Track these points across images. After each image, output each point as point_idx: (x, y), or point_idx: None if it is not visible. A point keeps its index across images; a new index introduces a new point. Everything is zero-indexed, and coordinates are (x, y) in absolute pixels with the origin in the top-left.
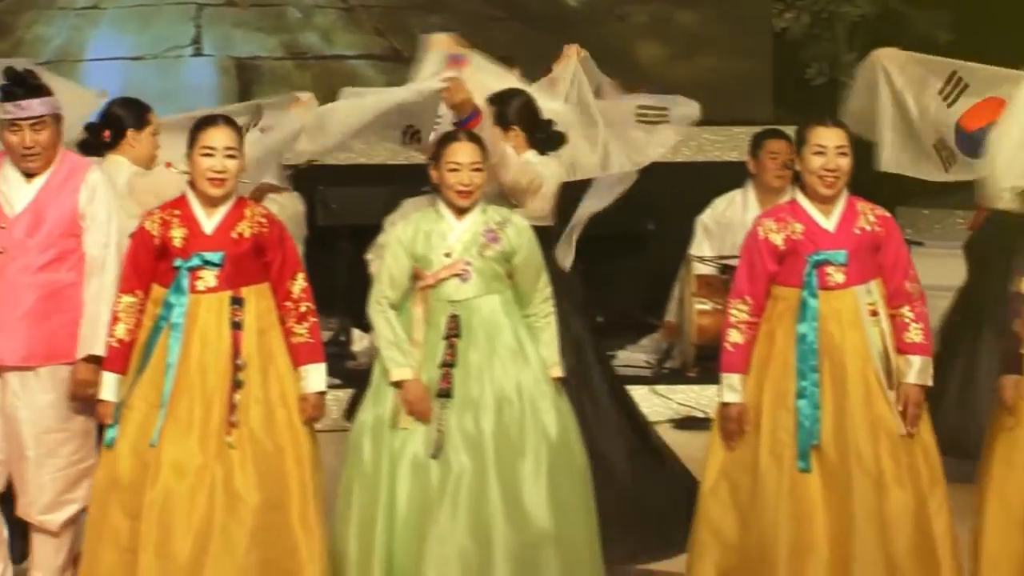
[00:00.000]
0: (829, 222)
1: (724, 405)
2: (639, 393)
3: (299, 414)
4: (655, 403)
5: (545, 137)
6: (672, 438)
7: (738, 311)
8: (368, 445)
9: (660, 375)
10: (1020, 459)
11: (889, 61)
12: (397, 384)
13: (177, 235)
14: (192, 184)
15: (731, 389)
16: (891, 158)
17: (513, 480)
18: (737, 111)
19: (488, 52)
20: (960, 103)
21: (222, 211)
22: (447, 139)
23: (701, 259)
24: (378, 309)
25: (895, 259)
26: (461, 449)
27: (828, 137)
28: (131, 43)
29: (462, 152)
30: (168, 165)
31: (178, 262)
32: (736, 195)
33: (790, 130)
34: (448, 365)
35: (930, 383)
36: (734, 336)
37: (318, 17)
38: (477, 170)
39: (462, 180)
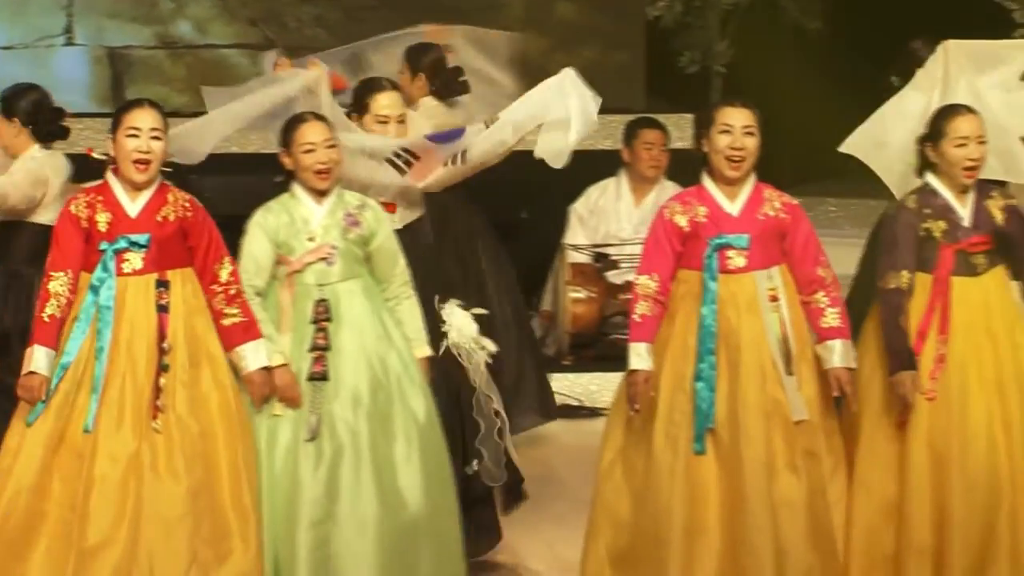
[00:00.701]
0: (733, 206)
1: (632, 372)
2: None
3: (251, 396)
4: None
5: (445, 84)
6: (548, 426)
7: (645, 285)
8: None
9: None
10: (883, 449)
11: (960, 51)
12: (267, 370)
13: (102, 219)
14: (115, 169)
15: (639, 357)
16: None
17: (387, 463)
18: (611, 100)
19: (363, 39)
20: None
21: (146, 195)
22: (294, 122)
23: (575, 247)
24: (248, 299)
25: (804, 246)
26: (337, 432)
27: (735, 116)
28: (2, 33)
29: (313, 131)
30: (89, 152)
31: (104, 245)
32: (609, 183)
33: (663, 118)
34: (321, 349)
35: (854, 365)
36: (641, 308)
37: (191, 7)
38: (332, 147)
39: (319, 159)
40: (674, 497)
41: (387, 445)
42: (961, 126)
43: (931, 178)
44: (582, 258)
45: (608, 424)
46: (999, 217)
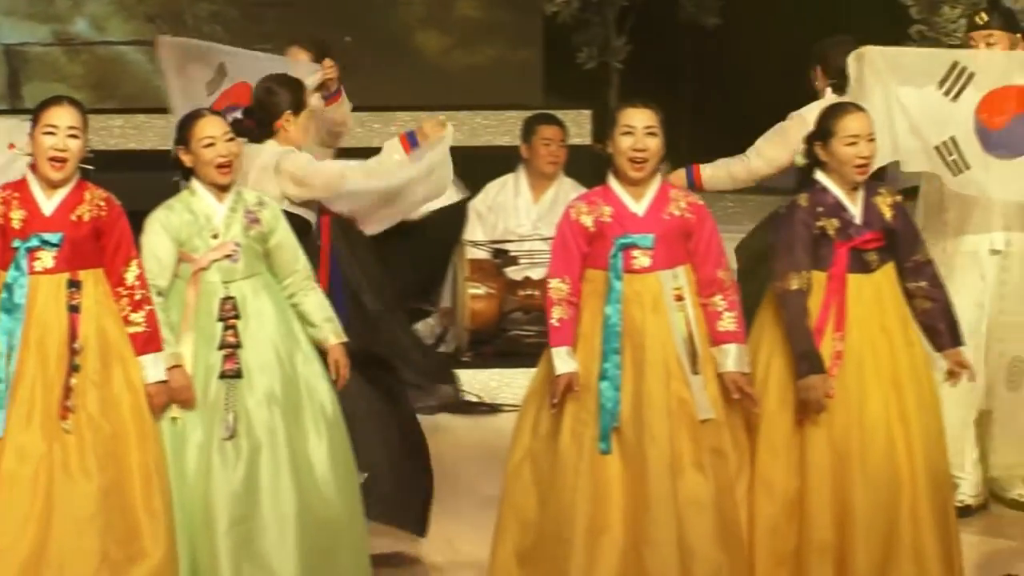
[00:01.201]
0: (639, 206)
1: (558, 376)
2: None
3: (149, 406)
4: None
5: None
6: (447, 422)
7: (558, 288)
8: None
9: None
10: (783, 447)
11: (876, 58)
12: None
13: (16, 217)
14: (33, 166)
15: (564, 360)
16: (911, 158)
17: (304, 459)
18: (509, 96)
19: (261, 37)
20: (967, 96)
21: (62, 193)
22: (192, 117)
23: (474, 244)
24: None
25: (707, 247)
26: (253, 429)
27: (637, 117)
28: None
29: (212, 126)
30: (11, 147)
31: (16, 242)
32: (508, 179)
33: (562, 114)
34: (232, 346)
35: (747, 370)
36: (558, 312)
37: (88, 4)
38: (231, 140)
39: (220, 152)
40: (578, 495)
41: (302, 441)
42: (851, 124)
43: (821, 176)
44: (481, 254)
45: (517, 424)
46: (888, 214)
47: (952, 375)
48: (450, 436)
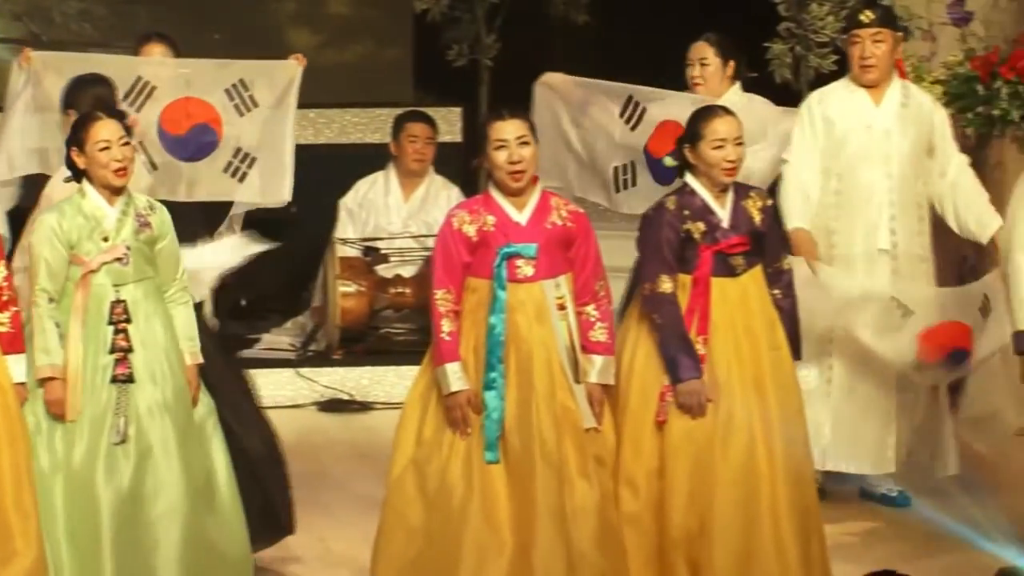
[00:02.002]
0: (521, 215)
1: (454, 394)
2: (284, 376)
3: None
4: (300, 386)
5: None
6: (318, 420)
7: (444, 300)
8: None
9: (305, 358)
10: (647, 448)
11: (557, 85)
12: (45, 379)
13: None
14: None
15: (457, 377)
16: (579, 182)
17: (194, 462)
18: (380, 94)
19: (131, 35)
20: (643, 127)
21: None
22: (86, 120)
23: (345, 242)
24: (37, 305)
25: (585, 256)
26: (144, 432)
27: (507, 130)
28: None
29: (107, 129)
30: None
31: None
32: (379, 177)
33: (433, 111)
34: (124, 350)
35: (611, 382)
36: (448, 325)
37: None
38: (126, 144)
39: (115, 156)
40: (466, 504)
41: (189, 444)
42: (719, 128)
43: (690, 179)
44: (352, 252)
45: (398, 433)
46: (757, 217)
47: None
48: (322, 434)
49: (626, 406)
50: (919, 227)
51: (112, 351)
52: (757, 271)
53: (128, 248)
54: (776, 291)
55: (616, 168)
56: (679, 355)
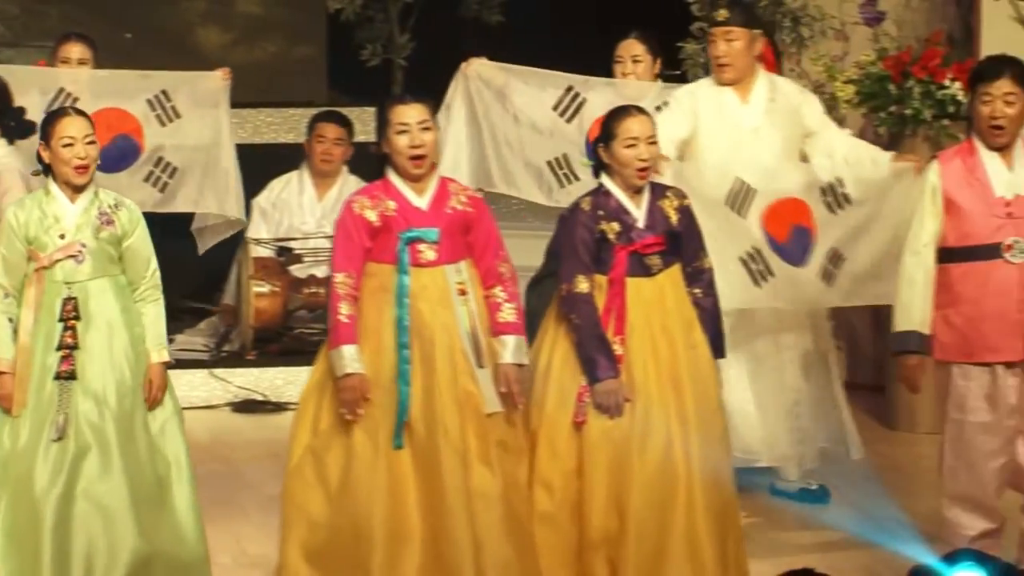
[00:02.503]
0: (422, 200)
1: (348, 376)
2: (198, 377)
3: None
4: (214, 387)
5: (14, 125)
6: (232, 421)
7: (344, 284)
8: None
9: (219, 359)
10: (563, 448)
11: (482, 72)
12: None
13: None
14: None
15: (352, 359)
16: (500, 176)
17: (134, 463)
18: (294, 93)
19: (43, 34)
20: (579, 119)
21: None
22: (55, 116)
23: (258, 241)
24: None
25: (486, 240)
26: (82, 431)
27: (409, 114)
28: None
29: (73, 126)
30: None
31: None
32: (292, 177)
33: (347, 111)
34: (69, 348)
35: (525, 361)
36: (346, 308)
37: None
38: (91, 143)
39: (78, 154)
40: (376, 493)
41: (135, 444)
42: (631, 127)
43: (606, 179)
44: (265, 252)
45: (295, 422)
46: (673, 217)
47: None
48: (236, 435)
49: (543, 407)
50: None
51: (59, 348)
52: (674, 270)
53: (84, 246)
54: (697, 290)
55: (550, 162)
56: (596, 355)
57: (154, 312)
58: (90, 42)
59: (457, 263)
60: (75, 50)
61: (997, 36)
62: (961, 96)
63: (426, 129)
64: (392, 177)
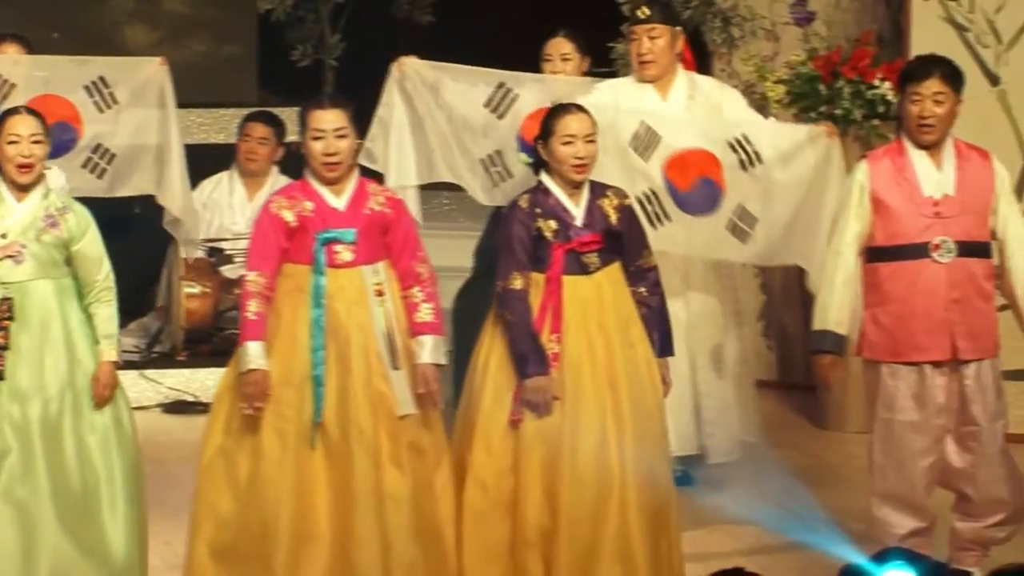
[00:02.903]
0: (339, 201)
1: (250, 371)
2: (128, 378)
3: None
4: (144, 388)
5: None
6: (164, 422)
7: (255, 281)
8: None
9: (149, 359)
10: (498, 447)
11: (415, 70)
12: None
13: None
14: None
15: (257, 355)
16: (447, 167)
17: (59, 469)
18: (225, 94)
19: None
20: (512, 115)
21: None
22: (6, 114)
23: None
24: None
25: (404, 240)
26: (4, 433)
27: (326, 120)
28: None
29: (22, 124)
30: None
31: None
32: (223, 177)
33: (278, 111)
34: (0, 348)
35: (443, 362)
36: (255, 305)
37: None
38: (38, 143)
39: (22, 152)
40: (283, 492)
41: (57, 450)
42: (570, 124)
43: (545, 177)
44: (196, 253)
45: (208, 422)
46: (613, 216)
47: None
48: (167, 436)
49: (479, 405)
50: None
51: None
52: (612, 269)
53: (23, 247)
54: (641, 289)
55: (483, 160)
56: (527, 352)
57: (106, 312)
58: (25, 42)
59: (374, 264)
60: (10, 50)
61: (927, 36)
62: (891, 96)
63: (342, 136)
64: (310, 178)
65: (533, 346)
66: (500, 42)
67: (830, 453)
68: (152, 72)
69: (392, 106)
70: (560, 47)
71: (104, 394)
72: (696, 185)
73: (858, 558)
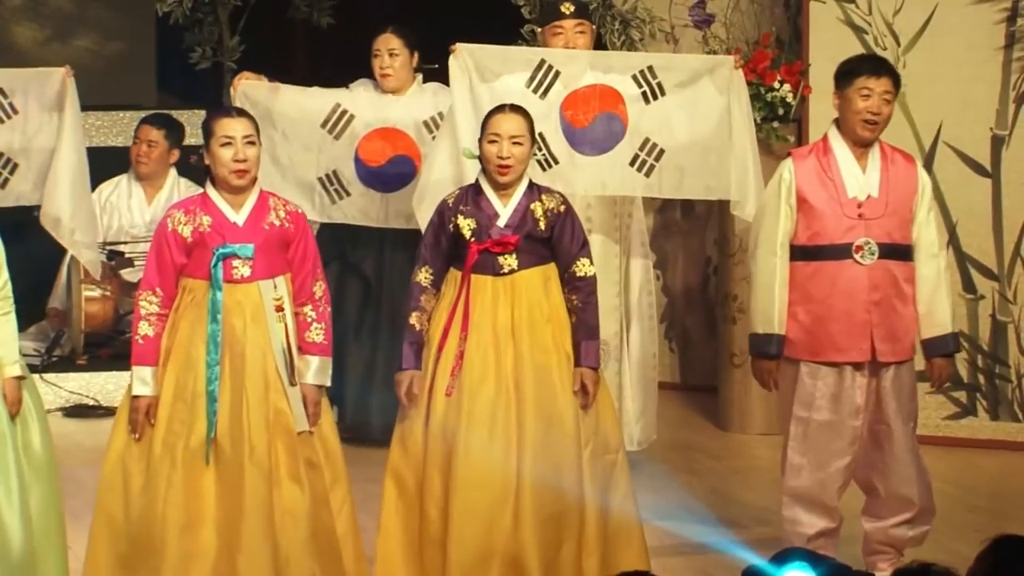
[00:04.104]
0: (238, 216)
1: (135, 398)
2: None
3: None
4: (44, 392)
5: None
6: (64, 426)
7: (148, 303)
8: None
9: (49, 363)
10: (412, 443)
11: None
12: None
13: None
14: None
15: (142, 382)
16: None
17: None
18: (123, 96)
19: None
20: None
21: None
22: None
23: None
24: None
25: (303, 257)
26: None
27: (235, 128)
28: None
29: None
30: None
31: None
32: (122, 180)
33: (177, 114)
34: None
35: (328, 383)
36: (144, 328)
37: None
38: None
39: None
40: (168, 506)
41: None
42: (498, 123)
43: (480, 176)
44: (91, 257)
45: (112, 430)
46: (541, 221)
47: (577, 392)
48: (67, 440)
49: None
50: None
51: None
52: (533, 273)
53: None
54: (573, 297)
55: (321, 179)
56: (404, 344)
57: (7, 325)
58: None
59: (274, 278)
60: None
61: (825, 39)
62: (790, 98)
63: (250, 143)
64: (210, 191)
65: (409, 339)
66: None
67: (732, 455)
68: (56, 80)
69: None
70: (388, 42)
71: (13, 411)
72: (596, 121)
73: (759, 560)
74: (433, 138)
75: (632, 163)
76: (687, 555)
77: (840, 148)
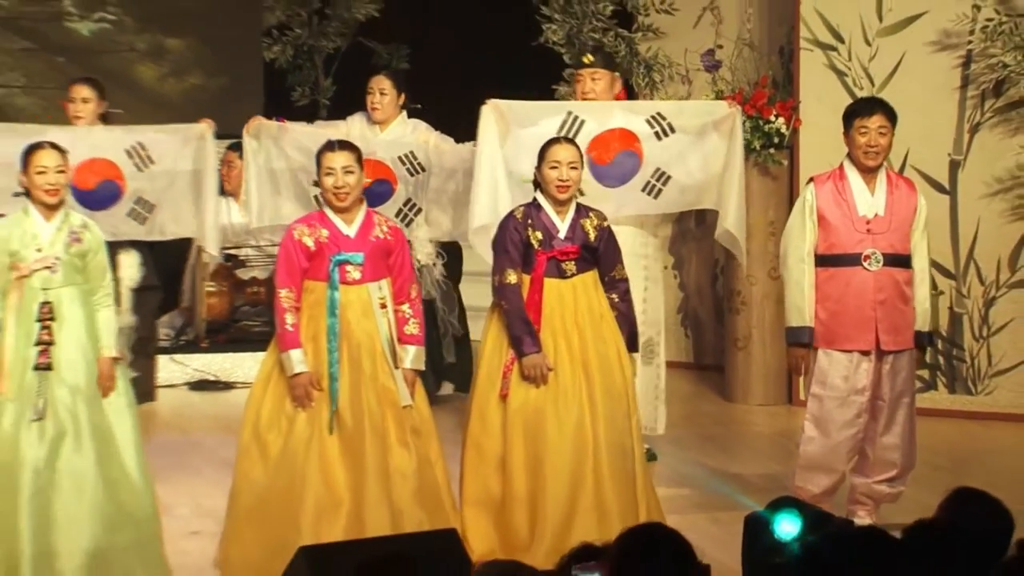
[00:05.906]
0: (350, 229)
1: (296, 375)
2: (161, 361)
3: None
4: (174, 369)
5: None
6: (191, 398)
7: (287, 298)
8: None
9: (178, 346)
10: (492, 417)
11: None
12: None
13: None
14: None
15: (300, 362)
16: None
17: (105, 440)
18: (235, 127)
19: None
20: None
21: None
22: (32, 148)
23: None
24: None
25: (401, 264)
26: (59, 414)
27: (336, 160)
28: None
29: (47, 157)
30: None
31: None
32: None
33: None
34: (46, 343)
35: (422, 367)
36: (290, 318)
37: None
38: (61, 172)
39: (49, 181)
40: (308, 465)
41: (104, 425)
42: (556, 152)
43: (538, 195)
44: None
45: (246, 407)
46: (592, 235)
47: None
48: (193, 409)
49: (476, 383)
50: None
51: (37, 343)
52: (587, 276)
53: (57, 258)
54: (614, 295)
55: (316, 196)
56: (522, 334)
57: (108, 315)
58: (96, 84)
59: (379, 281)
60: (83, 92)
61: (813, 80)
62: (784, 129)
63: (349, 172)
64: (326, 209)
65: (527, 329)
66: (473, 83)
67: (736, 422)
68: (197, 133)
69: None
70: (380, 83)
71: (107, 385)
72: (616, 159)
73: (757, 507)
74: (407, 169)
75: (643, 188)
76: (699, 502)
77: (852, 175)
